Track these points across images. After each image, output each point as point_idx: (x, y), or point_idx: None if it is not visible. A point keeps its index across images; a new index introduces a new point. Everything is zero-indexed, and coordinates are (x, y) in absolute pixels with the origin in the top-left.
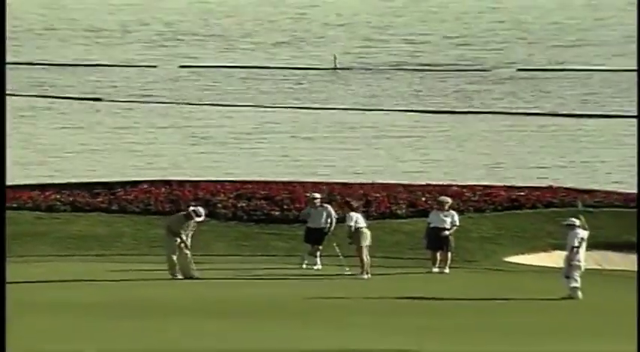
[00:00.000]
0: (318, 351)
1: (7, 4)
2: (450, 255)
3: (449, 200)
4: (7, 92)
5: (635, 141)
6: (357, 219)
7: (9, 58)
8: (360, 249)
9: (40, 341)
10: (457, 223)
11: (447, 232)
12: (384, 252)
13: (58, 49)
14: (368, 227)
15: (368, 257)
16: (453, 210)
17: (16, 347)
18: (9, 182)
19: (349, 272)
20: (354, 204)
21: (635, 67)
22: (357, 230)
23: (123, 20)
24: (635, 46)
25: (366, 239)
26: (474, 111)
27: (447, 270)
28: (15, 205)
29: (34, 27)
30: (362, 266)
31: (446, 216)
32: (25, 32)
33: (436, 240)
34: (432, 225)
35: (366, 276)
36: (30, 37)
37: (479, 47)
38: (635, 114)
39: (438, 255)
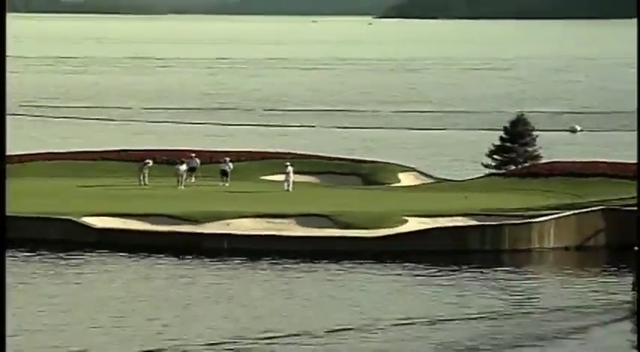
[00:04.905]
0: (176, 213)
1: None
2: (228, 178)
3: (228, 158)
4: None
5: None
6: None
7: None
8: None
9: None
10: (231, 167)
11: (226, 169)
12: (210, 176)
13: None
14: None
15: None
16: (231, 162)
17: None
18: (77, 149)
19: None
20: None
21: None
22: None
23: None
24: None
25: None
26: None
27: (227, 184)
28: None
29: None
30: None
31: (227, 164)
32: None
33: (222, 174)
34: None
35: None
36: None
37: None
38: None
39: (225, 179)
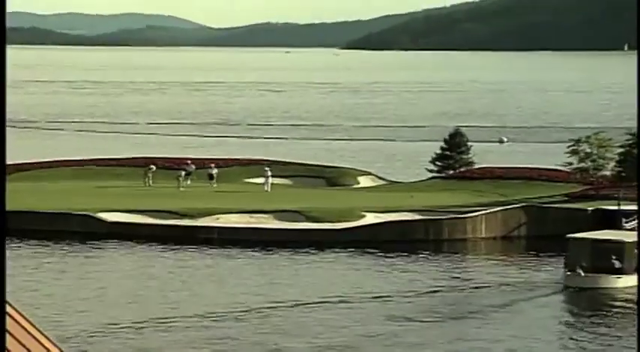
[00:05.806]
0: (175, 209)
1: None
2: (214, 180)
3: (213, 164)
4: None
5: None
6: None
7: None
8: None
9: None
10: (216, 171)
11: (213, 173)
12: (202, 179)
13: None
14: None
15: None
16: (219, 167)
17: None
18: (93, 156)
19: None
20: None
21: None
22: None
23: None
24: None
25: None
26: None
27: (215, 185)
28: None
29: None
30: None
31: (212, 169)
32: None
33: (209, 178)
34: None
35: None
36: None
37: None
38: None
39: (211, 181)
